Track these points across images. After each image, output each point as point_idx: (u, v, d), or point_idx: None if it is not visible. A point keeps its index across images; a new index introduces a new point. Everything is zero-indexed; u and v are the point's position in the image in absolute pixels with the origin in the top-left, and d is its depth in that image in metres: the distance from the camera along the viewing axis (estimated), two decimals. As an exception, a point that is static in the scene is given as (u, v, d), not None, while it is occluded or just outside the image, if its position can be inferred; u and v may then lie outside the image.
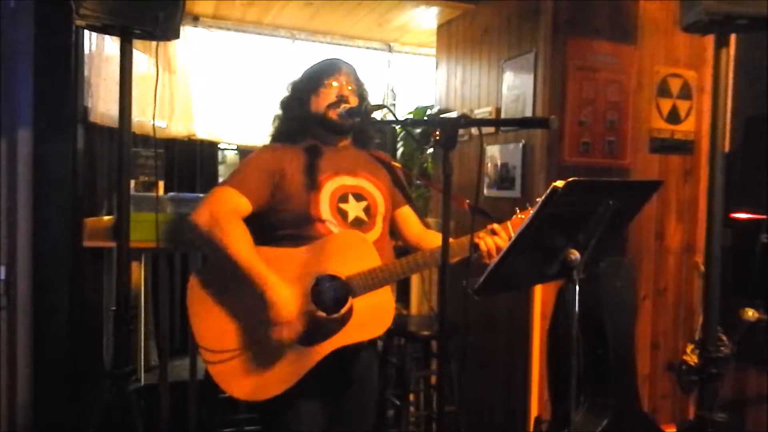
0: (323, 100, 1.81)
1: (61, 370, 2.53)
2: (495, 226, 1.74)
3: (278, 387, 1.67)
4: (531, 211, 1.73)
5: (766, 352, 2.63)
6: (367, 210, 1.81)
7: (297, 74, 1.92)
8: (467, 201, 1.79)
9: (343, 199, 1.79)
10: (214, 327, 1.70)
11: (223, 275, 1.70)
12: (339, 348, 1.68)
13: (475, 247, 1.71)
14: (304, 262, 1.69)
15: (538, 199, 1.72)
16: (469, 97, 3.50)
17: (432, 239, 1.92)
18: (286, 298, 1.63)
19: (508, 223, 1.75)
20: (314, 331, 1.67)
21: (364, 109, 1.78)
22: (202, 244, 1.71)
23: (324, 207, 1.75)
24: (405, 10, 3.85)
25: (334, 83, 1.82)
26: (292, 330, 1.64)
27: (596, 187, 1.48)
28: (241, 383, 1.68)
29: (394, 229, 1.94)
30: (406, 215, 1.97)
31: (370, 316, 1.70)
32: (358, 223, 1.78)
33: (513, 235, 1.71)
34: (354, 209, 1.79)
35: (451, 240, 1.68)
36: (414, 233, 1.96)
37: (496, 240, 1.72)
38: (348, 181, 1.82)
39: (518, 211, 1.77)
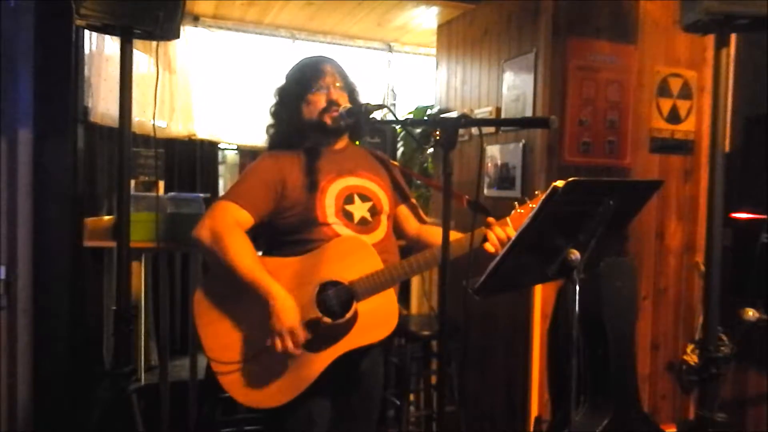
0: (314, 108, 1.80)
1: (61, 370, 2.53)
2: (491, 219, 1.74)
3: (289, 394, 1.67)
4: (530, 205, 1.75)
5: (766, 352, 2.63)
6: (372, 210, 1.81)
7: (282, 80, 1.89)
8: (466, 197, 1.79)
9: (349, 200, 1.79)
10: (221, 338, 1.71)
11: (227, 286, 1.70)
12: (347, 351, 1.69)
13: (483, 238, 1.71)
14: (307, 270, 1.69)
15: (537, 192, 1.74)
16: (469, 97, 3.50)
17: (431, 233, 1.92)
18: (289, 307, 1.63)
19: (507, 219, 1.75)
20: (321, 337, 1.67)
21: (364, 108, 1.78)
22: (206, 257, 1.72)
23: (330, 211, 1.75)
24: (405, 10, 3.85)
25: (322, 88, 1.80)
26: (297, 339, 1.63)
27: (596, 187, 1.48)
28: (253, 392, 1.69)
29: (394, 227, 1.94)
30: (405, 212, 1.97)
31: (375, 319, 1.70)
32: (363, 224, 1.78)
33: (513, 230, 1.73)
34: (359, 210, 1.79)
35: (456, 237, 1.69)
36: (413, 229, 1.97)
37: (507, 231, 1.72)
38: (352, 181, 1.82)
39: (517, 206, 1.78)
